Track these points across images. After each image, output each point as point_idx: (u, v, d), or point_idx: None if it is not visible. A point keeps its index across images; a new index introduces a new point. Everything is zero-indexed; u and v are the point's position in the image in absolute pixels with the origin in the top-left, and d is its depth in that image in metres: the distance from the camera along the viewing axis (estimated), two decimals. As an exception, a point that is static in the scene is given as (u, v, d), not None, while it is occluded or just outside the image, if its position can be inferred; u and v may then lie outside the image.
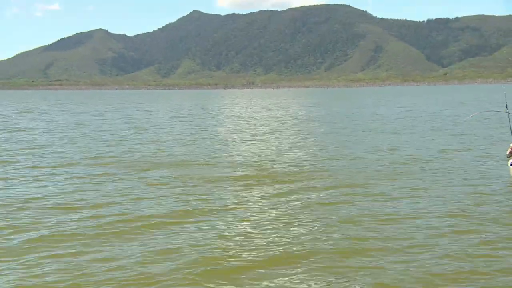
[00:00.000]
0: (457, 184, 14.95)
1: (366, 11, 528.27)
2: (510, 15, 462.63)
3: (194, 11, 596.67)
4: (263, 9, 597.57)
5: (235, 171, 18.55)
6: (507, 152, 14.13)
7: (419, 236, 10.29)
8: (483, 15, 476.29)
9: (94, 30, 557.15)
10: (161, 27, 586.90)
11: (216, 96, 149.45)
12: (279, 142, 27.15)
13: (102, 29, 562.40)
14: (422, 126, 35.74)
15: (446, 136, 28.49)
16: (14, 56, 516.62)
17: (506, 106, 14.83)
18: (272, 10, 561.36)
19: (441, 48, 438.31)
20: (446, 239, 10.04)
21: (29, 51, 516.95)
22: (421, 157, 20.55)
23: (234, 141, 28.69)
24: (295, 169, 18.54)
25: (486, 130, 31.08)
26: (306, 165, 19.52)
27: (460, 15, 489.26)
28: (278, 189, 15.08)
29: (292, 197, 14.16)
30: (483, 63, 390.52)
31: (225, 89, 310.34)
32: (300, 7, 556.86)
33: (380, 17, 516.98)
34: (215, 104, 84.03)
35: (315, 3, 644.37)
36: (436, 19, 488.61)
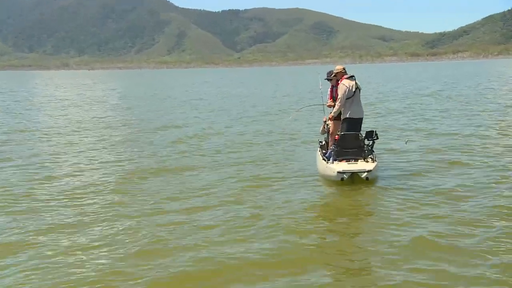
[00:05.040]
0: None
1: (169, 1, 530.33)
2: (288, 9, 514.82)
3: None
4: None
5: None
6: (320, 129, 11.18)
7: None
8: (266, 8, 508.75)
9: None
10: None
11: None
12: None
13: None
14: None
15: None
16: None
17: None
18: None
19: (235, 35, 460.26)
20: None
21: None
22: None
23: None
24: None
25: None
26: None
27: (248, 7, 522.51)
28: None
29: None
30: (268, 48, 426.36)
31: (41, 70, 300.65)
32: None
33: (181, 6, 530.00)
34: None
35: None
36: (229, 10, 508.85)
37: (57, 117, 24.92)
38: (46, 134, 18.42)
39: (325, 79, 11.11)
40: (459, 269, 5.81)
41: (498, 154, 12.38)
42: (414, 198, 8.76)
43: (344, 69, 10.59)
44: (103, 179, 10.91)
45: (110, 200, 9.22)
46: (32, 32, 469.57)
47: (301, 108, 13.35)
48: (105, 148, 15.19)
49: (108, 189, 10.01)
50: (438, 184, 9.66)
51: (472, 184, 9.53)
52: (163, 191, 9.75)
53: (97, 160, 13.28)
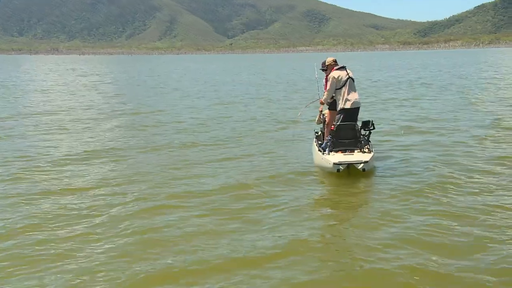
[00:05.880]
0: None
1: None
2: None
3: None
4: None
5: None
6: (316, 119, 11.17)
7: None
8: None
9: None
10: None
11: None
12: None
13: None
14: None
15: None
16: None
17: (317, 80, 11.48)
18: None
19: (226, 21, 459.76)
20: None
21: None
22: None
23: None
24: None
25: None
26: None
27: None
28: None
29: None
30: (260, 35, 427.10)
31: (30, 54, 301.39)
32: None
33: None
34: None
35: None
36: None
37: (22, 103, 24.27)
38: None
39: (320, 69, 11.04)
40: (450, 263, 5.64)
41: (496, 144, 12.28)
42: (411, 188, 8.60)
43: (334, 60, 10.49)
44: (54, 162, 10.63)
45: (59, 183, 8.92)
46: (22, 16, 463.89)
47: (308, 105, 12.99)
48: (61, 133, 14.86)
49: (61, 171, 9.78)
50: (436, 175, 9.50)
51: (469, 174, 9.39)
52: (117, 173, 9.59)
53: (49, 144, 12.95)
